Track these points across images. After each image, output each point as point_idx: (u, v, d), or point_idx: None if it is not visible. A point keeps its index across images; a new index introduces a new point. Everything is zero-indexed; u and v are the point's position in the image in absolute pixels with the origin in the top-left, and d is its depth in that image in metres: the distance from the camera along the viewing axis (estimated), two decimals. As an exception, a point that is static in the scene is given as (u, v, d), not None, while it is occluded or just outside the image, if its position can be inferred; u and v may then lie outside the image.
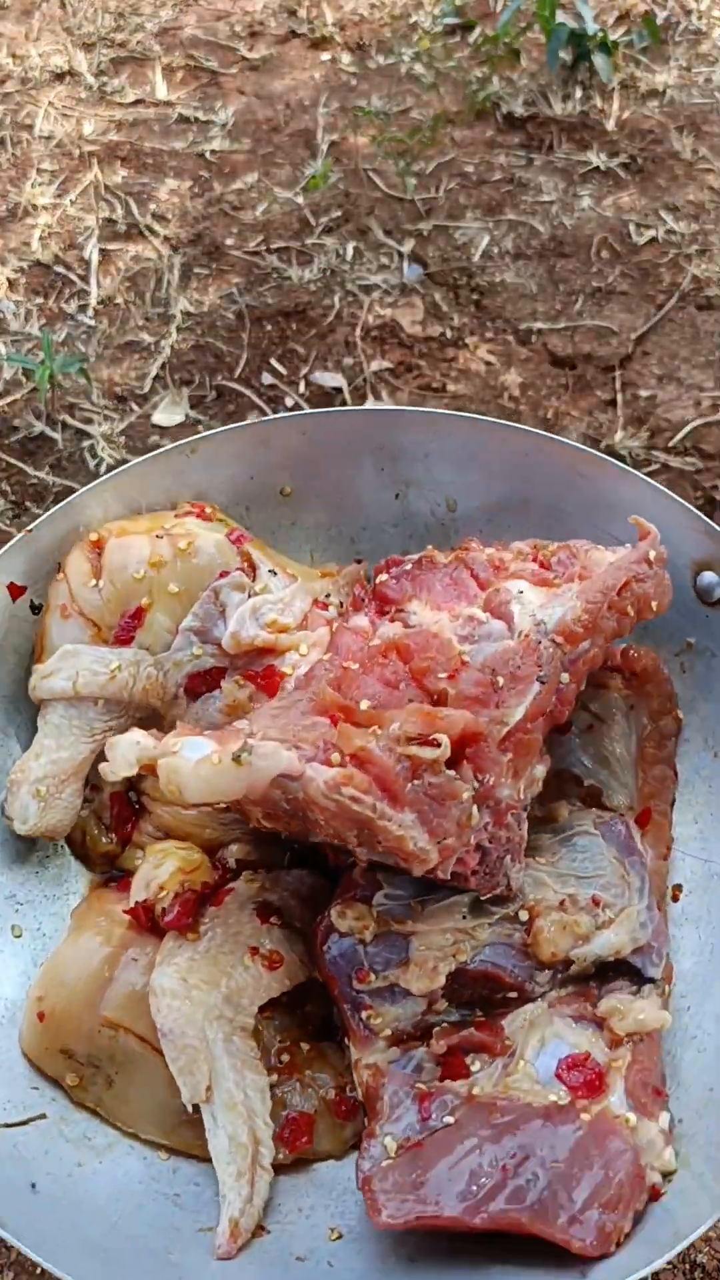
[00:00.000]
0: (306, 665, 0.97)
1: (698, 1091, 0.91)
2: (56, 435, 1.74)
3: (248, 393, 1.80)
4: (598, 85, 2.42)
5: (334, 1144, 0.93)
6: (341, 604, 1.09)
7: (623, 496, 1.11)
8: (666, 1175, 0.85)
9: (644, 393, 1.81)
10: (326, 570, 1.16)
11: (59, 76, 2.51)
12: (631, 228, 2.10)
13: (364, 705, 0.87)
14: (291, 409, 1.76)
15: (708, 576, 1.08)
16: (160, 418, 1.77)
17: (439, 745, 0.83)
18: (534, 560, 1.01)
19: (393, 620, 0.98)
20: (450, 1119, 0.85)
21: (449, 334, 1.91)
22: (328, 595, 1.11)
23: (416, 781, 0.83)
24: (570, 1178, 0.81)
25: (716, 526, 1.08)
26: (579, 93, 2.40)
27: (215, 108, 2.43)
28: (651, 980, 0.93)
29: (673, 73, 2.49)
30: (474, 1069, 0.88)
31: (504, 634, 0.94)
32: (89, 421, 1.75)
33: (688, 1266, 1.04)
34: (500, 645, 0.92)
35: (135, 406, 1.78)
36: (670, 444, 1.73)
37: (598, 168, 2.24)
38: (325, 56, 2.61)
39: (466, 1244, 0.83)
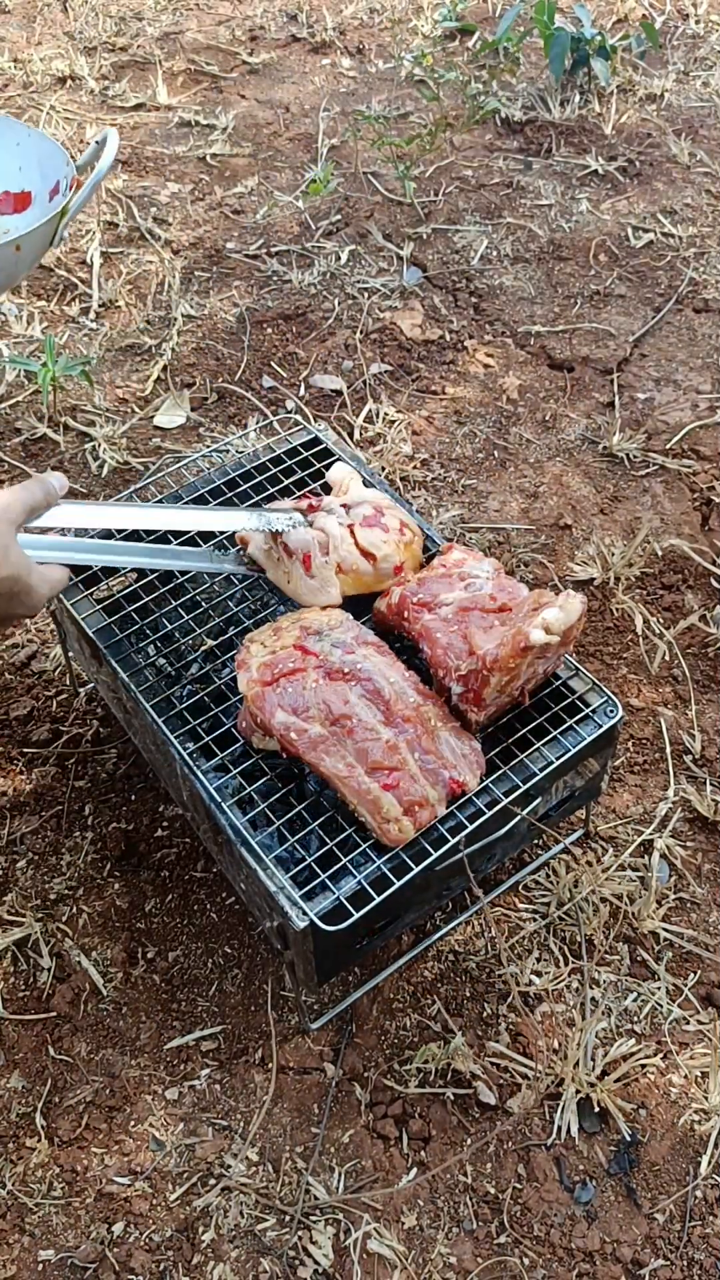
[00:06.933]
0: None
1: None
2: (59, 437, 1.75)
3: (248, 395, 1.81)
4: (595, 90, 2.43)
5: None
6: None
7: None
8: None
9: (641, 395, 1.82)
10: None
11: (61, 81, 2.52)
12: (629, 231, 2.11)
13: None
14: (292, 411, 1.77)
15: None
16: (162, 420, 1.78)
17: None
18: None
19: None
20: None
21: (448, 337, 1.92)
22: None
23: None
24: None
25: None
26: (577, 97, 2.41)
27: (216, 112, 2.45)
28: None
29: (670, 77, 2.50)
30: None
31: None
32: (91, 424, 1.76)
33: (685, 1263, 1.04)
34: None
35: (137, 409, 1.79)
36: (668, 446, 1.73)
37: (595, 171, 2.25)
38: (325, 61, 2.63)
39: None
